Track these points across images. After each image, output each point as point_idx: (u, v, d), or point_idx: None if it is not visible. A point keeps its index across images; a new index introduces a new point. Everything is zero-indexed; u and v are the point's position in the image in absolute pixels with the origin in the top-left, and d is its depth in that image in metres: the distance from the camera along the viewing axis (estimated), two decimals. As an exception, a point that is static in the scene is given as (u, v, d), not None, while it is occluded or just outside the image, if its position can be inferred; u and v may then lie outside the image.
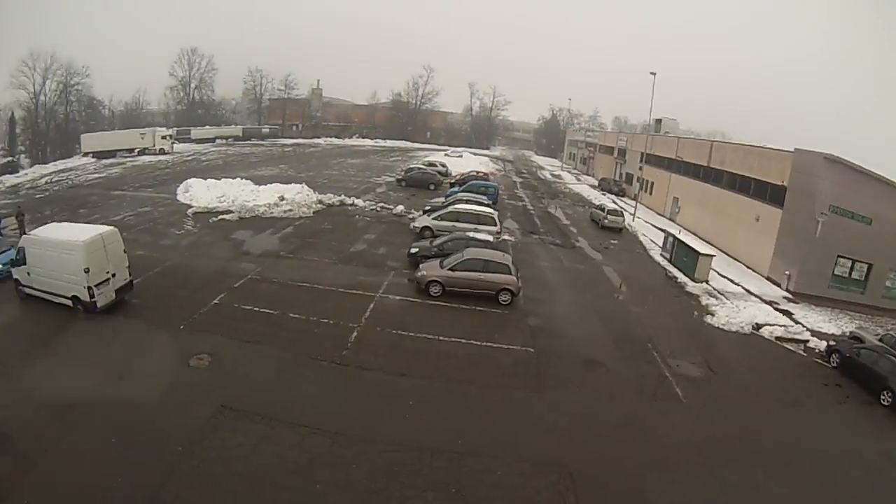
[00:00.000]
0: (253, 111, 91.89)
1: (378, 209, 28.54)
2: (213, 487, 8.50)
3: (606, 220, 29.93)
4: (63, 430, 9.79)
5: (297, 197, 29.74)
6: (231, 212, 27.52)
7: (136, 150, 54.69)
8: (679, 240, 23.68)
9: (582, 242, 26.92)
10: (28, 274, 15.26)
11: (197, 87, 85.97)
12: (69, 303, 14.70)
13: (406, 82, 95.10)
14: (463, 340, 13.93)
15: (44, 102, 63.68)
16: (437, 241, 19.16)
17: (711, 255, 21.83)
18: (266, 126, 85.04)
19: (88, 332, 14.00)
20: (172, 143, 58.09)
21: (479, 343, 13.85)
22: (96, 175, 44.12)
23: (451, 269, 16.21)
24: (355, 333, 14.28)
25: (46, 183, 41.11)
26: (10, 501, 8.01)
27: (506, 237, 23.81)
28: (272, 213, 27.76)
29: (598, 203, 35.53)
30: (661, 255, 25.53)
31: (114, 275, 14.93)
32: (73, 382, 11.48)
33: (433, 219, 22.40)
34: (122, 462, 8.98)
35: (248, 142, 72.42)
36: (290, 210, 28.16)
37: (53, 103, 64.87)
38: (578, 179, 58.90)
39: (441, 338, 14.07)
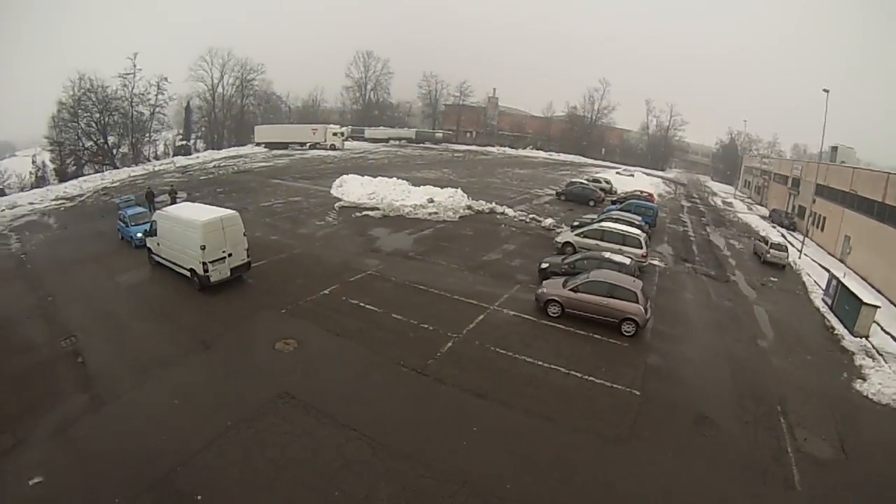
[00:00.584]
0: (428, 115, 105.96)
1: (527, 220, 31.27)
2: (240, 466, 9.84)
3: (769, 255, 30.52)
4: (138, 384, 12.59)
5: (446, 200, 32.79)
6: (377, 209, 31.70)
7: (308, 144, 67.24)
8: (842, 284, 22.75)
9: (737, 276, 27.38)
10: (157, 245, 20.22)
11: (373, 88, 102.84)
12: (187, 274, 18.73)
13: (582, 96, 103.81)
14: (563, 369, 14.28)
15: (221, 94, 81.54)
16: (570, 259, 20.31)
17: (876, 306, 20.80)
18: (440, 131, 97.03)
19: (197, 303, 17.64)
20: (343, 139, 68.84)
21: (579, 375, 14.10)
22: (263, 164, 56.18)
23: (572, 290, 16.95)
24: (450, 344, 15.28)
25: (214, 167, 54.10)
26: (73, 429, 10.97)
27: (655, 262, 25.15)
28: (417, 214, 31.09)
29: (763, 235, 36.05)
30: (822, 299, 24.96)
31: (230, 254, 18.40)
32: (164, 344, 14.66)
33: (576, 235, 24.03)
34: (174, 422, 11.08)
35: (421, 145, 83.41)
36: (436, 213, 31.15)
37: (231, 96, 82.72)
38: (750, 209, 61.10)
39: (540, 362, 14.52)
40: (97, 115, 58.21)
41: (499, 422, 11.74)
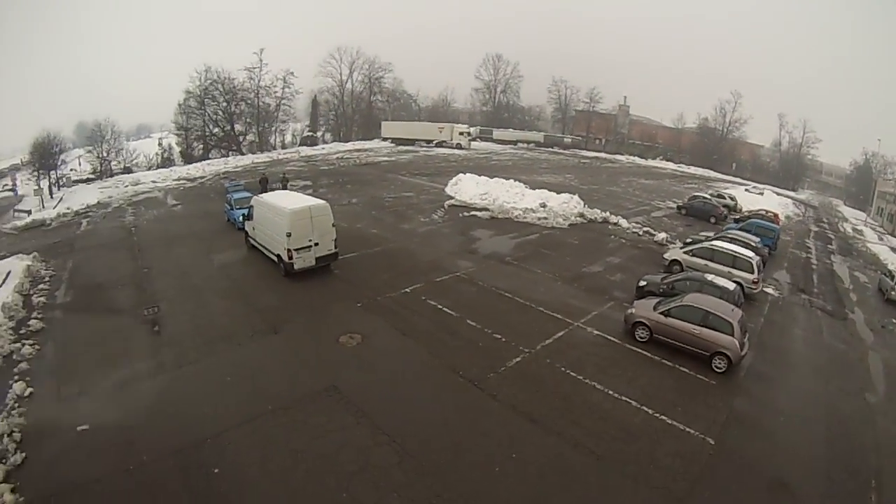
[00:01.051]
0: (558, 120, 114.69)
1: (640, 233, 32.06)
2: (263, 450, 11.02)
3: (894, 293, 29.09)
4: (201, 357, 14.96)
5: (559, 206, 34.08)
6: (487, 210, 33.75)
7: (434, 142, 74.71)
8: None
9: (856, 315, 26.35)
10: (253, 229, 23.46)
11: (503, 91, 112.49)
12: (275, 259, 21.47)
13: (713, 107, 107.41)
14: (634, 403, 14.17)
15: (350, 90, 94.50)
16: (670, 279, 21.03)
17: None
18: (569, 136, 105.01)
19: (279, 288, 20.08)
20: (470, 139, 74.88)
21: (650, 411, 13.89)
22: (385, 158, 62.48)
23: (663, 314, 17.19)
24: (518, 359, 15.63)
25: (337, 158, 61.56)
26: (129, 388, 13.40)
27: (769, 290, 25.54)
28: (526, 218, 32.60)
29: (890, 269, 34.97)
30: (955, 354, 22.50)
31: (316, 244, 20.65)
32: (237, 323, 17.07)
33: (684, 252, 24.94)
34: (220, 398, 12.84)
35: (549, 149, 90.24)
36: (546, 218, 32.50)
37: (360, 92, 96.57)
38: (881, 238, 60.80)
39: (610, 391, 14.56)
40: (224, 105, 69.04)
41: (542, 452, 11.78)
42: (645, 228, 33.23)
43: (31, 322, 17.41)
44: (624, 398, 14.14)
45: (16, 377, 13.84)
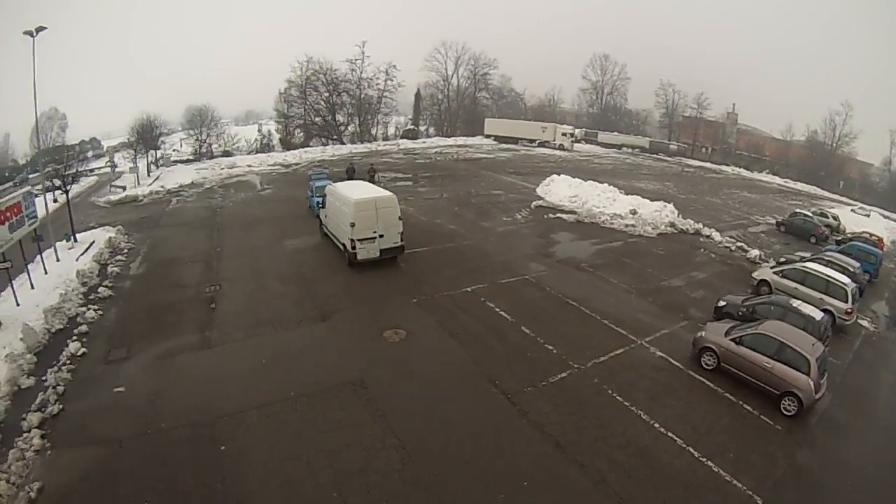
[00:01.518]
0: (664, 125, 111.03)
1: (732, 248, 30.92)
2: (272, 435, 11.60)
3: None
4: (246, 337, 16.09)
5: (650, 214, 32.89)
6: (574, 213, 33.16)
7: (536, 142, 75.87)
8: None
9: None
10: (325, 217, 24.71)
11: (610, 93, 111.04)
12: (341, 248, 22.27)
13: (822, 119, 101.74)
14: (679, 441, 12.99)
15: (456, 86, 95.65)
16: (751, 301, 19.95)
17: None
18: (674, 143, 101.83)
19: (339, 277, 20.99)
20: (573, 140, 76.85)
21: (695, 454, 12.66)
22: (484, 155, 63.28)
23: (734, 340, 16.12)
24: (564, 374, 15.01)
25: (436, 153, 63.29)
26: (171, 359, 14.82)
27: (863, 322, 23.77)
28: (613, 224, 31.68)
29: None
30: None
31: (381, 235, 21.13)
32: (289, 307, 18.10)
33: (775, 272, 24.08)
34: (249, 378, 13.75)
35: (654, 155, 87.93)
36: (634, 226, 31.36)
37: (465, 87, 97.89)
38: None
39: (656, 424, 13.44)
40: (326, 95, 72.75)
41: (557, 484, 11.10)
42: (738, 244, 31.78)
43: (101, 289, 19.68)
44: (669, 434, 13.06)
45: (74, 338, 15.80)
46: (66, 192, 27.11)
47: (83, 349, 15.17)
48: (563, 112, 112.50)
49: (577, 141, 79.14)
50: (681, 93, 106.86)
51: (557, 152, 69.94)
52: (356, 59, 74.10)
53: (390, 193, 22.04)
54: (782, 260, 28.00)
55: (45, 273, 21.14)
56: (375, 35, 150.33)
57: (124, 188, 40.68)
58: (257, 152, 64.39)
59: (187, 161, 57.37)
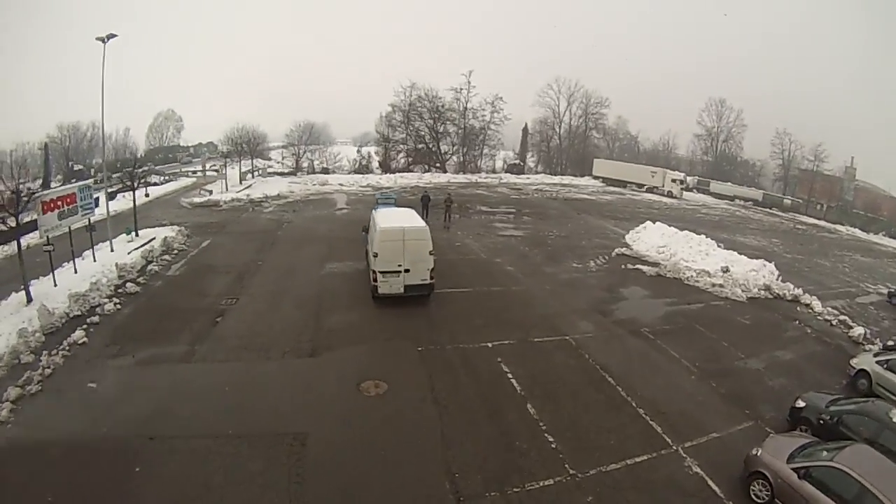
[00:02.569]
0: (778, 178, 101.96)
1: (832, 322, 25.48)
2: (186, 470, 10.80)
3: None
4: (228, 359, 15.39)
5: (744, 274, 28.21)
6: (657, 265, 29.26)
7: (645, 187, 71.27)
8: None
9: None
10: (366, 242, 23.18)
11: (725, 140, 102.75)
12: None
13: None
14: None
15: (567, 123, 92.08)
16: (837, 407, 14.99)
17: None
18: (789, 197, 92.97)
19: (357, 309, 19.44)
20: (682, 188, 71.14)
21: None
22: (585, 196, 60.18)
23: (797, 471, 11.51)
24: (548, 482, 11.38)
25: (535, 189, 61.26)
26: (151, 367, 14.77)
27: None
28: (698, 281, 27.46)
29: None
30: None
31: (407, 270, 19.15)
32: (288, 335, 17.10)
33: (878, 360, 18.89)
34: (201, 402, 13.15)
35: (767, 210, 79.96)
36: (721, 286, 26.89)
37: (576, 126, 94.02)
38: None
39: None
40: (430, 122, 72.75)
41: None
42: (841, 317, 25.85)
43: (129, 285, 20.38)
44: None
45: (85, 326, 16.77)
46: (133, 190, 29.07)
47: (85, 338, 15.90)
48: (677, 158, 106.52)
49: (688, 189, 74.22)
50: (797, 143, 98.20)
51: (665, 199, 65.65)
52: (461, 89, 73.46)
53: (423, 224, 20.38)
54: (890, 344, 22.59)
55: (94, 261, 22.33)
56: (483, 66, 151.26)
57: (210, 192, 42.30)
58: (356, 173, 65.65)
59: (282, 174, 59.42)
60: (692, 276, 27.81)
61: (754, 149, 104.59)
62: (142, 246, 25.06)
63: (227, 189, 45.02)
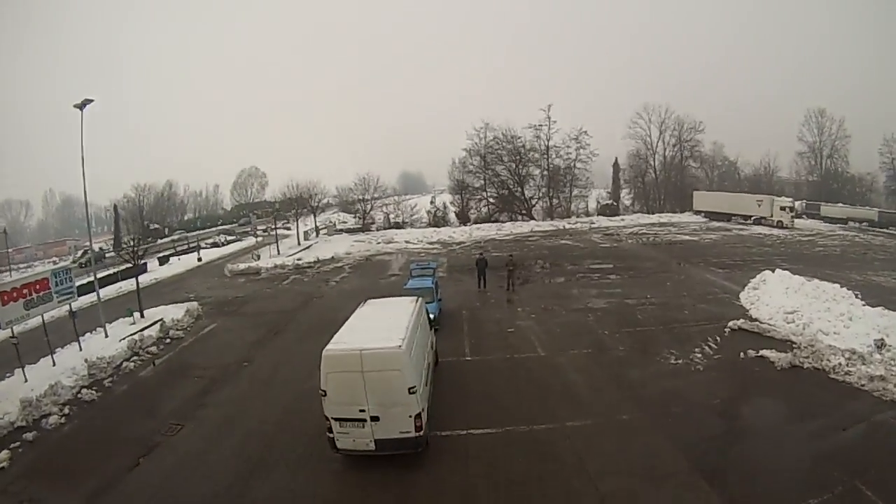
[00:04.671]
0: (891, 191, 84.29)
1: None
2: None
3: None
4: (207, 449, 11.56)
5: None
6: (788, 345, 18.69)
7: (752, 218, 60.28)
8: None
9: None
10: None
11: (829, 156, 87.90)
12: None
13: None
14: None
15: (661, 154, 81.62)
16: None
17: None
18: None
19: (318, 461, 12.55)
20: (792, 216, 59.55)
21: None
22: (686, 236, 49.42)
23: None
24: None
25: (630, 233, 51.35)
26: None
27: None
28: (849, 372, 16.58)
29: None
30: None
31: (375, 418, 11.74)
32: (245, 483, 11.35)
33: None
34: None
35: (885, 231, 63.96)
36: (882, 379, 15.60)
37: (672, 156, 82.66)
38: None
39: None
40: (513, 166, 65.83)
41: None
42: None
43: (86, 392, 16.76)
44: None
45: (15, 444, 13.50)
46: (136, 265, 26.05)
47: (5, 464, 12.74)
48: (780, 181, 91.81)
49: (798, 216, 62.83)
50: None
51: (775, 231, 54.31)
52: (540, 125, 66.11)
53: (394, 345, 11.95)
54: None
55: (80, 350, 19.88)
56: (560, 100, 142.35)
57: (258, 257, 38.10)
58: (432, 226, 59.89)
59: (350, 231, 55.32)
60: (840, 364, 17.03)
61: (860, 161, 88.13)
62: (140, 331, 21.47)
63: (278, 252, 41.10)
